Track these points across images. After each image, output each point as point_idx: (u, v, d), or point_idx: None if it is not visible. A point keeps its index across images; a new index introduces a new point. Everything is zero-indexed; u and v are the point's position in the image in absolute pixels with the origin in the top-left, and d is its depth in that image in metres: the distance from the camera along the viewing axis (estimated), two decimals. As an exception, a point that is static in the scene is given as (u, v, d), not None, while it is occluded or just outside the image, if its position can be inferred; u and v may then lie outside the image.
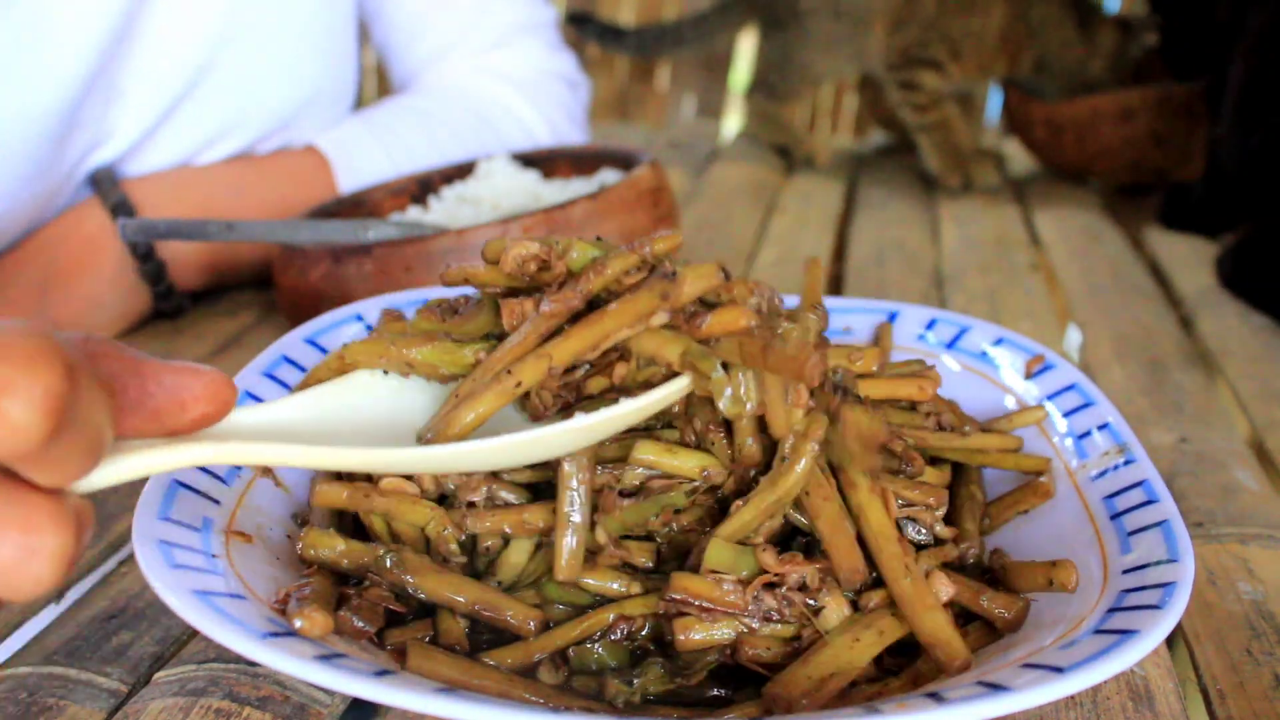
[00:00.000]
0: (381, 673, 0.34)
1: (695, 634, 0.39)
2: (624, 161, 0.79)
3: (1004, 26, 1.20)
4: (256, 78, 0.83)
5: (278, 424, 0.40)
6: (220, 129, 0.83)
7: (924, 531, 0.44)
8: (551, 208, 0.66)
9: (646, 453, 0.43)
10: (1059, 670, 0.34)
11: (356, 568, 0.42)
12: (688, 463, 0.43)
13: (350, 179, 0.84)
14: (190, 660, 0.42)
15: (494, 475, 0.45)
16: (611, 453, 0.44)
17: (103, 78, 0.75)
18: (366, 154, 0.84)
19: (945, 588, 0.40)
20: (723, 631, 0.39)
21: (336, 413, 0.42)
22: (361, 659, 0.36)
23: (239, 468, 0.46)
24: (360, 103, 0.96)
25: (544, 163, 0.83)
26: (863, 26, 1.23)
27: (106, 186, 0.76)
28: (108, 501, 0.54)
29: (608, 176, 0.79)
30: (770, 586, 0.40)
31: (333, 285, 0.65)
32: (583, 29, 1.50)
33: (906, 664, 0.40)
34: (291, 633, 0.36)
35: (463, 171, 0.83)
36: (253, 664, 0.41)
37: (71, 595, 0.48)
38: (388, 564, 0.42)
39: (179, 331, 0.76)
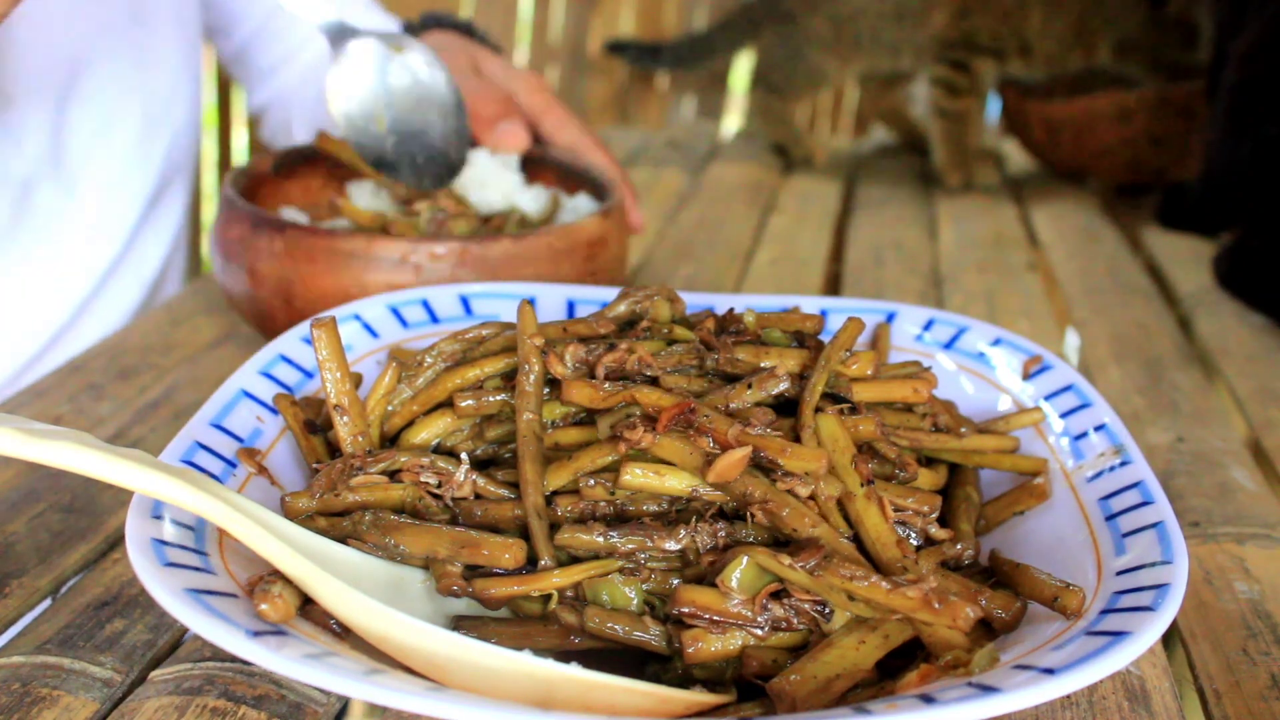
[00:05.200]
0: (373, 671, 0.34)
1: (705, 645, 0.39)
2: (600, 192, 0.76)
3: (1079, 19, 1.17)
4: (120, 91, 0.86)
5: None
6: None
7: (915, 536, 0.44)
8: (469, 239, 0.63)
9: (634, 473, 0.42)
10: (1050, 672, 0.34)
11: (339, 537, 0.43)
12: (676, 483, 0.42)
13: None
14: (187, 659, 0.42)
15: (480, 469, 0.45)
16: (602, 463, 0.44)
17: None
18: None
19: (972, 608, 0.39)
20: (732, 642, 0.39)
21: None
22: (350, 657, 0.36)
23: (234, 464, 0.46)
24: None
25: (532, 165, 0.81)
26: (918, 20, 1.20)
27: None
28: (102, 497, 0.54)
29: (581, 203, 0.76)
30: (777, 596, 0.40)
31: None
32: (622, 54, 1.53)
33: (908, 666, 0.40)
34: (282, 631, 0.36)
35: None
36: (249, 663, 0.41)
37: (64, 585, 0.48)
38: (366, 525, 0.42)
39: (176, 324, 0.76)
